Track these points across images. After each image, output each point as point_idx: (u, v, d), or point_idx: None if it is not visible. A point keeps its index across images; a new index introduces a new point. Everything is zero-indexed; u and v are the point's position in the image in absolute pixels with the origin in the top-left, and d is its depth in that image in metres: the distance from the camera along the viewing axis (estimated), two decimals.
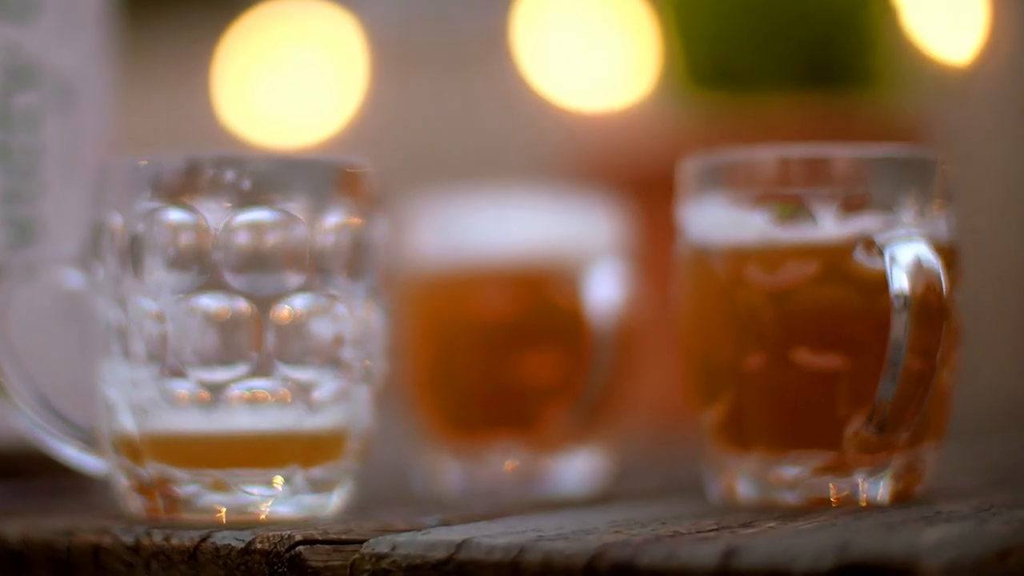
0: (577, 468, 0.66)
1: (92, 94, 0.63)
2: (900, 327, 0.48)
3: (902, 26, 1.18)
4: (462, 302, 0.66)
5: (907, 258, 0.49)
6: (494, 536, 0.45)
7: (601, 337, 0.62)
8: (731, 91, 1.10)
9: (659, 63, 1.20)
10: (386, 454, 0.83)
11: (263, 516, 0.51)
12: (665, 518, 0.49)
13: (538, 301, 0.65)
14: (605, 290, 0.63)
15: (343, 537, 0.47)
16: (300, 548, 0.47)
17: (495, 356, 0.65)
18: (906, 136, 1.09)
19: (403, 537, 0.46)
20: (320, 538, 0.47)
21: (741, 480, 0.53)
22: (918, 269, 0.49)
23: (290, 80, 2.12)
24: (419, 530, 0.48)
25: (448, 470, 0.66)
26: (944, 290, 0.49)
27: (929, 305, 0.48)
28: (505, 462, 0.65)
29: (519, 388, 0.65)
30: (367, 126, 2.06)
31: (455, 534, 0.46)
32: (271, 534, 0.47)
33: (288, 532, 0.47)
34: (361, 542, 0.46)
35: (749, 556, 0.39)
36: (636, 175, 0.99)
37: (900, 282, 0.49)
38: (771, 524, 0.46)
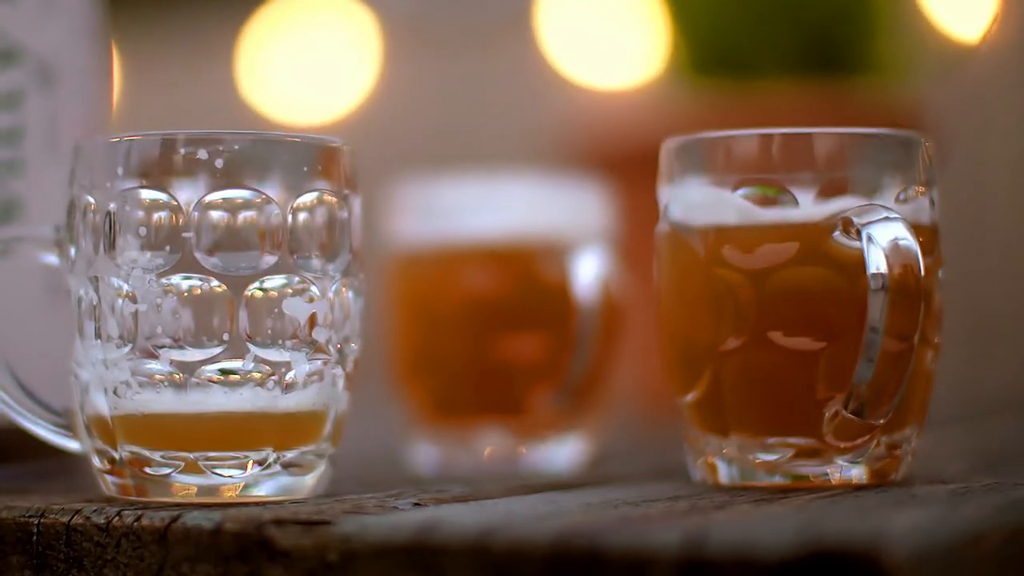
0: (562, 451, 0.65)
1: (75, 74, 0.62)
2: (877, 309, 0.48)
3: (908, 9, 1.17)
4: (446, 282, 0.65)
5: (885, 239, 0.48)
6: (463, 518, 0.44)
7: (587, 318, 0.61)
8: (733, 77, 1.09)
9: (667, 47, 1.19)
10: (369, 436, 0.83)
11: (235, 497, 0.51)
12: (640, 500, 0.48)
13: (524, 282, 0.64)
14: (592, 272, 0.62)
15: (313, 519, 0.47)
16: (270, 529, 0.46)
17: (480, 337, 0.64)
18: (910, 122, 1.08)
19: (373, 519, 0.45)
20: (290, 519, 0.47)
21: (721, 462, 0.53)
22: (895, 250, 0.48)
23: (309, 60, 2.13)
24: (391, 512, 0.47)
25: (431, 453, 0.66)
26: (922, 271, 0.48)
27: (907, 286, 0.48)
28: (487, 446, 0.65)
29: (504, 370, 0.64)
30: (384, 106, 2.06)
31: (425, 516, 0.45)
32: (241, 515, 0.47)
33: (258, 513, 0.47)
34: (331, 524, 0.46)
35: (712, 541, 0.39)
36: (635, 157, 0.98)
37: (877, 263, 0.48)
38: (744, 508, 0.46)
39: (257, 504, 0.50)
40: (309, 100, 2.10)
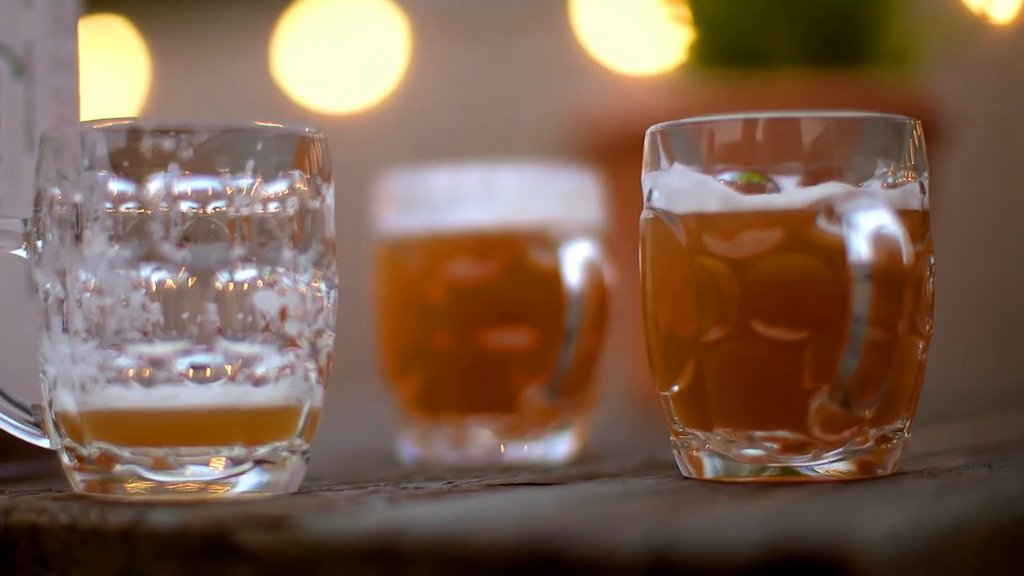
0: (553, 444, 0.64)
1: (51, 66, 0.61)
2: (860, 297, 0.46)
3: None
4: (434, 274, 0.64)
5: (868, 226, 0.46)
6: (431, 519, 0.43)
7: (576, 310, 0.60)
8: (744, 69, 1.07)
9: (681, 38, 1.17)
10: (359, 430, 0.82)
11: (205, 495, 0.50)
12: (619, 496, 0.47)
13: (513, 274, 0.63)
14: (582, 263, 0.61)
15: (280, 518, 0.45)
16: (236, 528, 0.45)
17: (468, 330, 0.63)
18: (924, 109, 1.06)
19: (341, 518, 0.44)
20: (256, 518, 0.45)
21: (706, 456, 0.51)
22: (879, 237, 0.46)
23: (340, 51, 2.14)
24: (362, 510, 0.46)
25: (419, 447, 0.65)
26: (906, 258, 0.46)
27: (891, 274, 0.46)
28: (476, 440, 0.63)
29: (493, 363, 0.63)
30: (413, 95, 2.09)
31: (393, 516, 0.44)
32: (208, 513, 0.46)
33: (225, 511, 0.46)
34: (297, 523, 0.45)
35: (676, 545, 0.37)
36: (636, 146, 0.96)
37: (860, 251, 0.46)
38: (720, 506, 0.44)
39: (227, 502, 0.49)
40: (340, 89, 2.11)
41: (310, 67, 2.16)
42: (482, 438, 0.63)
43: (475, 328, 0.63)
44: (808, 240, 0.49)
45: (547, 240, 0.62)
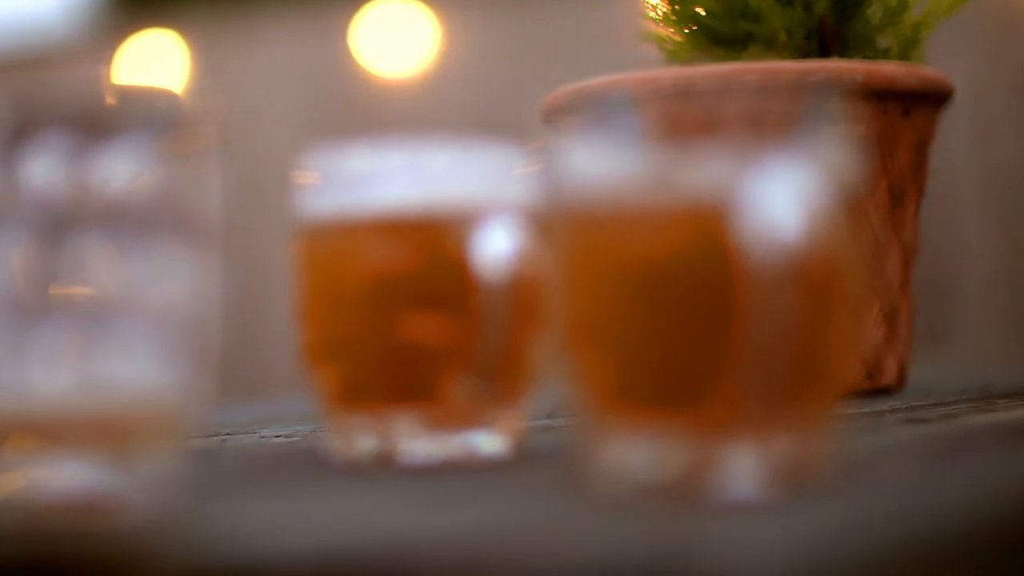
0: (481, 441, 0.59)
1: None
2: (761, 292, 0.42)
3: None
4: (351, 258, 0.59)
5: (775, 213, 0.42)
6: (278, 542, 0.39)
7: (493, 295, 0.56)
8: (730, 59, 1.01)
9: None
10: (283, 425, 0.78)
11: (54, 500, 0.45)
12: (508, 525, 0.43)
13: (432, 258, 0.59)
14: (501, 246, 0.56)
15: (120, 539, 0.42)
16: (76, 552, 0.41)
17: (386, 317, 0.59)
18: (929, 88, 0.99)
19: (178, 535, 0.40)
20: (96, 540, 0.42)
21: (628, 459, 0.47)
22: (783, 224, 0.42)
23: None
24: (233, 530, 0.42)
25: (339, 441, 0.61)
26: (812, 246, 0.42)
27: (791, 264, 0.42)
28: (400, 433, 0.59)
29: (413, 352, 0.59)
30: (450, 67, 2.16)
31: (255, 534, 0.40)
32: (65, 546, 0.42)
33: (81, 548, 0.42)
34: (134, 545, 0.41)
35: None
36: None
37: (761, 239, 0.42)
38: (612, 534, 0.39)
39: (72, 512, 0.45)
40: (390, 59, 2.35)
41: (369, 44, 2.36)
42: (404, 431, 0.59)
43: (393, 315, 0.59)
44: (713, 234, 0.43)
45: (471, 222, 0.58)
